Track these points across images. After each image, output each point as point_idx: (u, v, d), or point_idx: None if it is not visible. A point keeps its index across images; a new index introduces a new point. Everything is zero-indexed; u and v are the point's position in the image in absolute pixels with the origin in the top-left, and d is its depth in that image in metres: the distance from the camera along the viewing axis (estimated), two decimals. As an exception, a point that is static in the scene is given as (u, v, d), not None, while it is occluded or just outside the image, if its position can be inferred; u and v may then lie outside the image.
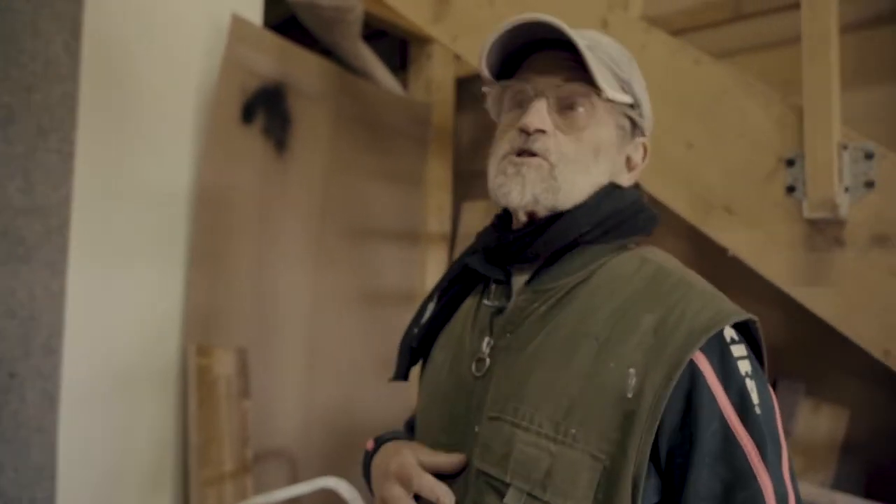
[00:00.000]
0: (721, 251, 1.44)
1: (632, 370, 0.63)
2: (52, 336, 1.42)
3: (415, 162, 2.66)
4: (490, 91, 0.78)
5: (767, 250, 1.30)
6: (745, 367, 0.64)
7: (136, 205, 1.73)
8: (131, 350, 1.72)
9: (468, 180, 2.86)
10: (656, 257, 0.72)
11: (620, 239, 0.72)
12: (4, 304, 1.35)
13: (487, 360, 0.71)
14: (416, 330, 0.83)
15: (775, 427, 0.64)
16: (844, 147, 1.24)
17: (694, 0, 2.26)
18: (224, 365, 1.94)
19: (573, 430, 0.63)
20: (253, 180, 2.06)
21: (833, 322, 1.27)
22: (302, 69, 2.21)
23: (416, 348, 0.81)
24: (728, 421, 0.62)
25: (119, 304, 1.65)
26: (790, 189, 1.29)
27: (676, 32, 2.13)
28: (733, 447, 0.61)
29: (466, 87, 2.84)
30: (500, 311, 0.73)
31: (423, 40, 2.70)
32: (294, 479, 2.09)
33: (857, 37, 1.92)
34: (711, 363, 0.63)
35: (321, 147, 2.30)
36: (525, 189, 0.69)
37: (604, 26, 1.55)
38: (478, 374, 0.71)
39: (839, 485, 1.81)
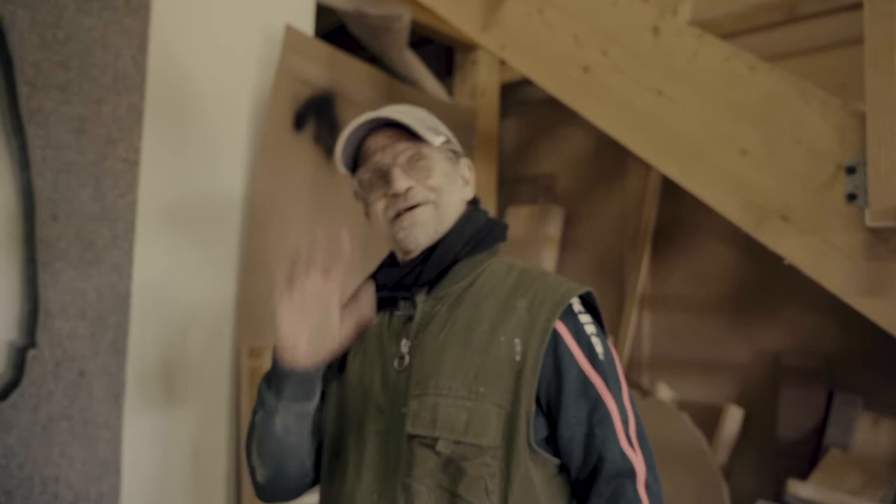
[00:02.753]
0: (777, 260, 1.41)
1: (517, 340, 0.86)
2: (118, 336, 1.49)
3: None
4: (355, 187, 0.98)
5: (826, 259, 1.27)
6: (590, 329, 0.89)
7: (193, 211, 1.79)
8: (188, 351, 1.78)
9: (513, 185, 2.87)
10: (517, 263, 0.97)
11: (487, 248, 0.96)
12: (76, 305, 1.43)
13: (407, 357, 0.90)
14: None
15: (615, 369, 0.89)
16: (909, 154, 1.21)
17: (745, 2, 2.22)
18: (275, 366, 1.99)
19: (482, 390, 0.85)
20: (303, 186, 2.11)
21: (895, 332, 1.23)
22: (351, 77, 2.26)
23: (330, 368, 0.98)
24: (582, 367, 0.87)
25: (177, 307, 1.72)
26: (851, 196, 1.26)
27: (726, 36, 2.09)
28: (588, 385, 0.86)
29: (511, 93, 2.85)
30: (410, 318, 0.93)
31: (469, 47, 2.72)
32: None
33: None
34: (567, 328, 0.88)
35: (369, 153, 2.34)
36: (427, 231, 0.93)
37: (655, 33, 1.54)
38: (400, 369, 0.90)
39: (899, 502, 1.74)
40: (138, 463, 1.59)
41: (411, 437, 0.85)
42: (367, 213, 0.98)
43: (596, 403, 0.85)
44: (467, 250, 0.94)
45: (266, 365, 1.97)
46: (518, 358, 0.85)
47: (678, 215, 2.38)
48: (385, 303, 0.97)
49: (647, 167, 2.40)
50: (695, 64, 1.47)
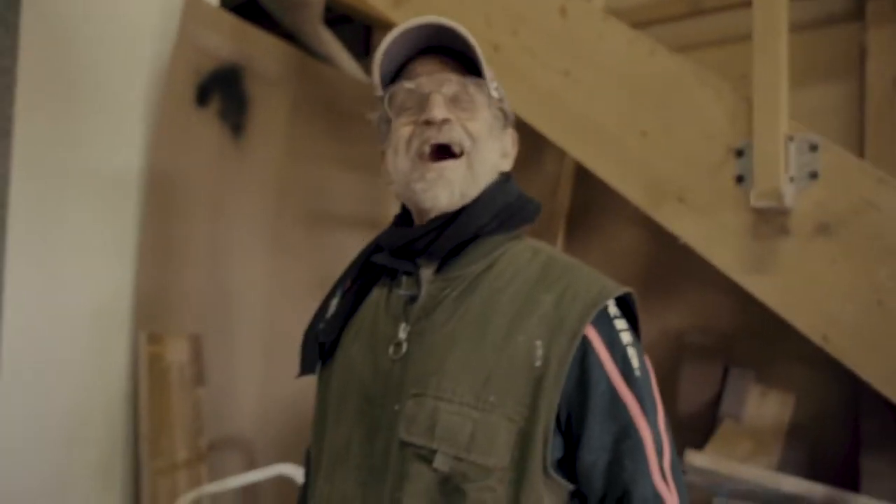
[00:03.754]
0: (674, 239, 1.47)
1: (538, 342, 0.72)
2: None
3: (373, 148, 2.63)
4: (377, 110, 0.83)
5: (716, 239, 1.33)
6: (626, 337, 0.74)
7: (82, 189, 1.67)
8: (77, 340, 1.66)
9: (431, 169, 2.84)
10: (544, 248, 0.82)
11: (513, 228, 0.81)
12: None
13: (405, 345, 0.76)
14: (321, 325, 0.85)
15: (652, 388, 0.75)
16: (791, 138, 1.27)
17: (654, -7, 2.28)
18: (176, 352, 1.89)
19: (492, 398, 0.71)
20: (207, 165, 2.01)
21: (777, 309, 1.30)
22: (260, 51, 2.17)
23: (324, 342, 0.84)
24: (614, 383, 0.72)
25: (63, 292, 1.60)
26: (739, 179, 1.32)
27: (637, 25, 2.15)
28: (618, 405, 0.72)
29: (430, 75, 2.82)
30: (412, 299, 0.78)
31: (387, 26, 2.66)
32: (250, 466, 2.06)
33: (808, 35, 1.97)
34: (600, 335, 0.73)
35: (279, 132, 2.26)
36: (453, 191, 0.77)
37: (562, 14, 1.55)
38: (395, 358, 0.76)
39: (785, 468, 1.87)
40: (21, 466, 1.47)
41: (405, 444, 0.72)
42: (384, 147, 0.82)
43: (626, 428, 0.71)
44: (493, 226, 0.78)
45: (167, 351, 1.87)
46: (538, 363, 0.71)
47: (591, 198, 2.44)
48: (384, 273, 0.83)
49: (562, 151, 2.44)
50: (600, 46, 1.50)
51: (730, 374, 2.08)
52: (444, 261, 0.78)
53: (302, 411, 2.35)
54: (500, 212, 0.79)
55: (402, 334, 0.76)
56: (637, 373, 0.73)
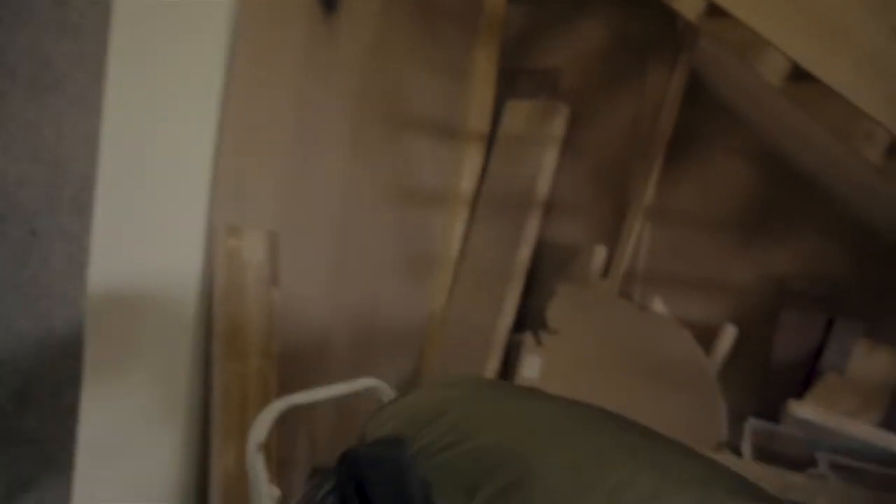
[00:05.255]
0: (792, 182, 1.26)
1: None
2: (83, 190, 1.18)
3: (462, 52, 2.39)
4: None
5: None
6: None
7: (172, 55, 1.44)
8: (156, 221, 1.49)
9: (513, 77, 2.61)
10: None
11: None
12: (28, 143, 1.09)
13: None
14: None
15: None
16: None
17: None
18: (254, 248, 1.73)
19: None
20: (297, 41, 1.78)
21: None
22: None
23: None
24: None
25: (149, 164, 1.40)
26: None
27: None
28: None
29: (523, -27, 2.54)
30: None
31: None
32: (320, 375, 1.94)
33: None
34: None
35: (370, 20, 2.01)
36: None
37: None
38: None
39: (891, 425, 1.78)
40: (103, 343, 1.32)
41: None
42: None
43: None
44: None
45: (245, 245, 1.71)
46: None
47: (695, 125, 2.24)
48: None
49: (671, 68, 2.21)
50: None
51: (835, 325, 1.96)
52: None
53: (368, 321, 2.23)
54: None
55: None
56: None
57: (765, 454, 1.74)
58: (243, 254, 1.71)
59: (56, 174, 1.13)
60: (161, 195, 1.48)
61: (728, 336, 2.07)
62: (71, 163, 1.14)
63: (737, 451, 1.80)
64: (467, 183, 2.47)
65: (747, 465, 1.65)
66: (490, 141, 2.51)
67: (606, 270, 2.28)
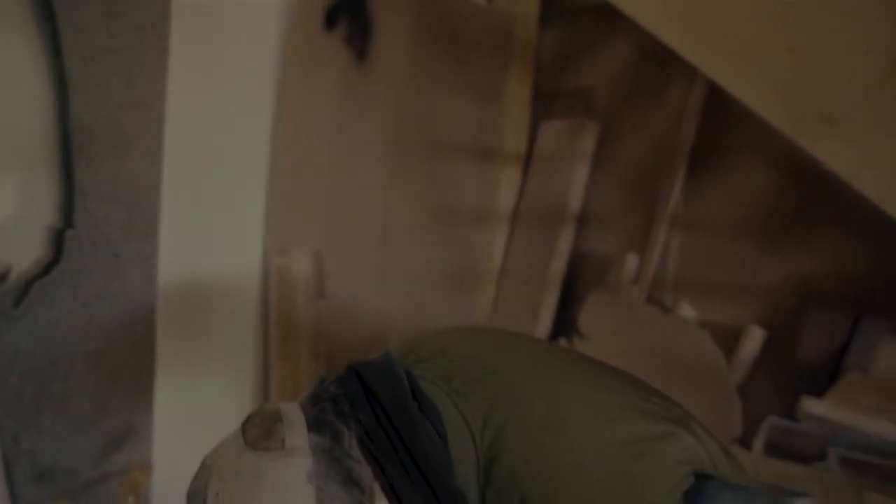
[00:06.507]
0: (815, 182, 1.35)
1: None
2: (149, 222, 1.54)
3: (495, 77, 2.60)
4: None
5: (869, 165, 1.21)
6: None
7: (221, 110, 1.79)
8: (215, 247, 1.83)
9: (549, 100, 2.78)
10: None
11: None
12: (110, 190, 1.47)
13: None
14: None
15: None
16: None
17: None
18: (301, 266, 2.04)
19: None
20: (334, 88, 2.09)
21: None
22: (384, -24, 2.18)
23: None
24: None
25: (210, 200, 1.75)
26: (902, 99, 1.18)
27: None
28: None
29: (552, 0, 2.71)
30: None
31: (509, -50, 2.57)
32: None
33: None
34: None
35: (401, 58, 2.29)
36: None
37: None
38: None
39: (918, 425, 1.73)
40: (173, 341, 1.67)
41: None
42: None
43: None
44: None
45: (293, 263, 2.02)
46: None
47: (717, 134, 2.29)
48: None
49: (690, 80, 2.29)
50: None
51: (861, 323, 1.93)
52: None
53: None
54: None
55: None
56: None
57: (778, 449, 1.77)
58: (292, 271, 2.02)
59: (131, 211, 1.49)
60: (222, 223, 1.83)
61: (755, 337, 2.09)
62: (142, 202, 1.50)
63: (748, 447, 1.84)
64: (506, 200, 2.65)
65: (753, 458, 1.69)
66: (527, 160, 2.69)
67: (638, 277, 2.37)
